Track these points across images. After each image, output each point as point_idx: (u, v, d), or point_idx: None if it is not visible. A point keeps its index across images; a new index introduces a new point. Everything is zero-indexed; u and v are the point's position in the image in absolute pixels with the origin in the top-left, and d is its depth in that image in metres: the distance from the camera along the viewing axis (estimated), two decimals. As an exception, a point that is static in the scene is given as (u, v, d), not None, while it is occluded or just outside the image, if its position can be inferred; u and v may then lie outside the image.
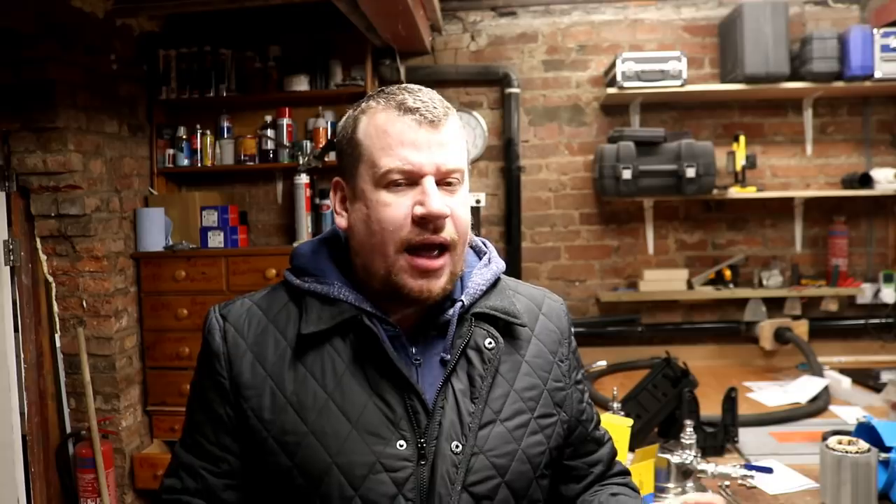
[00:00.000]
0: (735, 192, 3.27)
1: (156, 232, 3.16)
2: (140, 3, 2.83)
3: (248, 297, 0.99)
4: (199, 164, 3.39)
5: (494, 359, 0.95)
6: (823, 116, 3.45)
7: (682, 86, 3.18)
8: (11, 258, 2.71)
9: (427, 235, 0.89)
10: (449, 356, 0.93)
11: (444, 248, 0.91)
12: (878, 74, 3.07)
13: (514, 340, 0.99)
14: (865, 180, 3.22)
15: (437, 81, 3.51)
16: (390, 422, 0.89)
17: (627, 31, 3.49)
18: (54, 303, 2.84)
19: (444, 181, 0.90)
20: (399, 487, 0.87)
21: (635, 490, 1.09)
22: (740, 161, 3.26)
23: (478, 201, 3.50)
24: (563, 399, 1.01)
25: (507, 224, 3.50)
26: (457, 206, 0.91)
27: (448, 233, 0.90)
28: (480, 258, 1.05)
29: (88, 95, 2.82)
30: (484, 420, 0.92)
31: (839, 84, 3.16)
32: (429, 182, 0.89)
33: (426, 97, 0.91)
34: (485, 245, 1.07)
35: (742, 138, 3.26)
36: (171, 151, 3.36)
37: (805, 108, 3.41)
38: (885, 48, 3.06)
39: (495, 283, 1.02)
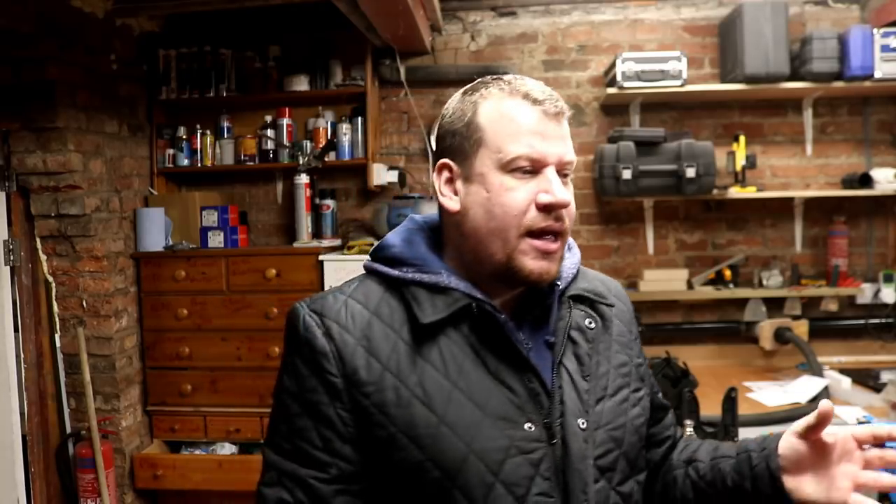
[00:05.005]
0: (735, 192, 3.27)
1: (156, 232, 3.16)
2: (140, 3, 2.83)
3: (337, 292, 0.96)
4: (199, 164, 3.39)
5: (597, 338, 1.00)
6: (823, 116, 3.45)
7: (682, 86, 3.18)
8: (11, 258, 2.71)
9: (550, 222, 0.91)
10: (554, 338, 0.97)
11: (560, 234, 0.94)
12: (878, 74, 3.07)
13: (602, 320, 1.03)
14: (865, 180, 3.22)
15: (437, 81, 3.51)
16: (515, 405, 0.90)
17: (627, 31, 3.49)
18: (54, 303, 2.84)
19: (561, 172, 0.94)
20: (535, 468, 0.89)
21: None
22: (740, 161, 3.26)
23: (478, 201, 3.50)
24: (644, 372, 1.08)
25: (507, 224, 3.50)
26: (571, 197, 0.95)
27: (566, 220, 0.94)
28: None
29: (88, 95, 2.83)
30: (596, 396, 0.97)
31: (839, 84, 3.15)
32: (551, 172, 0.92)
33: (548, 91, 0.94)
34: None
35: (742, 138, 3.26)
36: (171, 151, 3.37)
37: (805, 108, 3.41)
38: (885, 48, 3.06)
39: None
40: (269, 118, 3.37)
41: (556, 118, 0.93)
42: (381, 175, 3.31)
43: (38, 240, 2.81)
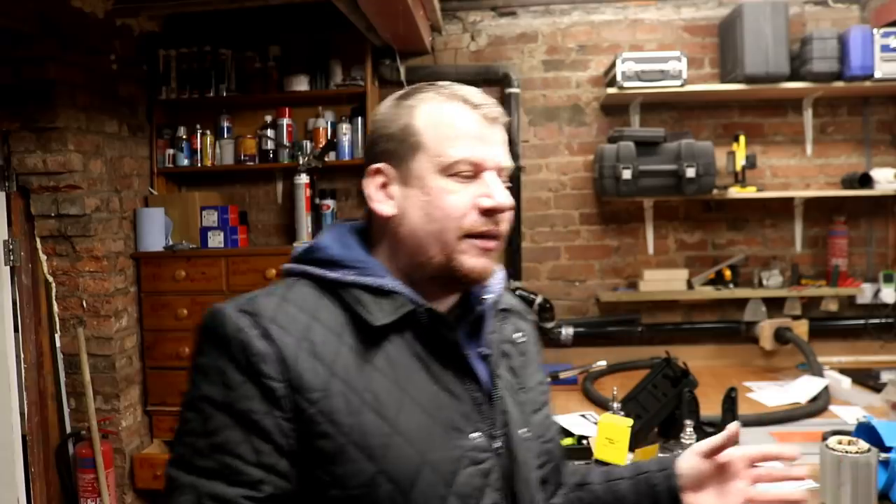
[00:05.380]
0: (735, 192, 3.27)
1: (156, 232, 3.16)
2: (140, 3, 2.83)
3: (269, 294, 0.89)
4: (199, 164, 3.39)
5: (527, 351, 1.02)
6: (823, 116, 3.45)
7: (682, 86, 3.18)
8: (11, 258, 2.71)
9: (490, 227, 0.91)
10: (488, 350, 0.96)
11: (497, 237, 0.94)
12: (878, 74, 3.07)
13: (526, 335, 1.06)
14: (865, 180, 3.21)
15: (437, 81, 3.51)
16: (461, 414, 0.89)
17: (627, 31, 3.49)
18: (54, 303, 2.84)
19: (497, 177, 0.93)
20: (485, 479, 0.87)
21: None
22: (740, 161, 3.26)
23: (478, 201, 3.50)
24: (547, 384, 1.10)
25: (507, 224, 3.50)
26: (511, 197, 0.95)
27: (505, 224, 0.94)
28: None
29: (88, 95, 2.83)
30: (531, 408, 0.99)
31: (839, 84, 3.15)
32: (491, 176, 0.91)
33: (484, 96, 0.94)
34: None
35: (742, 138, 3.26)
36: (171, 151, 3.37)
37: (805, 108, 3.41)
38: (885, 48, 3.06)
39: None
40: (269, 118, 3.37)
41: (494, 123, 0.93)
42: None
43: (38, 240, 2.81)
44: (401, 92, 0.97)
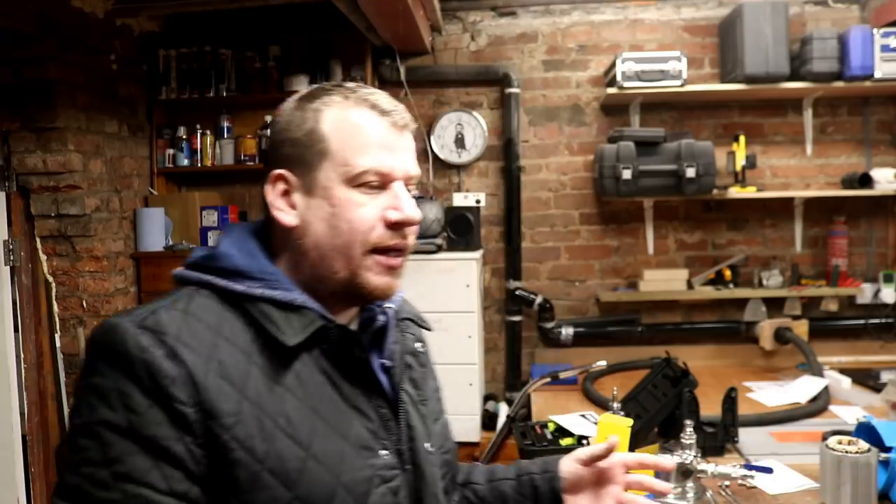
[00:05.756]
0: (735, 192, 3.27)
1: (156, 232, 3.16)
2: (140, 3, 2.83)
3: (169, 308, 0.81)
4: (199, 164, 3.39)
5: (427, 361, 1.02)
6: (823, 116, 3.45)
7: (682, 86, 3.18)
8: (11, 258, 2.71)
9: (398, 240, 0.88)
10: (390, 362, 0.94)
11: (403, 250, 0.92)
12: (878, 74, 3.07)
13: (425, 345, 1.06)
14: (865, 180, 3.21)
15: (437, 81, 3.52)
16: (371, 432, 0.87)
17: (627, 31, 3.49)
18: (54, 303, 2.84)
19: (406, 187, 0.90)
20: (395, 496, 0.87)
21: None
22: (740, 161, 3.26)
23: (478, 201, 3.50)
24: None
25: (507, 224, 3.50)
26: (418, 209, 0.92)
27: (412, 238, 0.91)
28: None
29: (88, 95, 2.82)
30: (433, 419, 0.99)
31: (839, 84, 3.15)
32: (399, 187, 0.88)
33: (393, 102, 0.90)
34: None
35: (742, 138, 3.26)
36: (171, 151, 3.37)
37: (805, 108, 3.41)
38: (885, 48, 3.06)
39: None
40: (269, 118, 3.37)
41: (402, 131, 0.89)
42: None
43: (38, 240, 2.81)
44: (305, 92, 0.91)
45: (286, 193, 0.88)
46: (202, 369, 0.76)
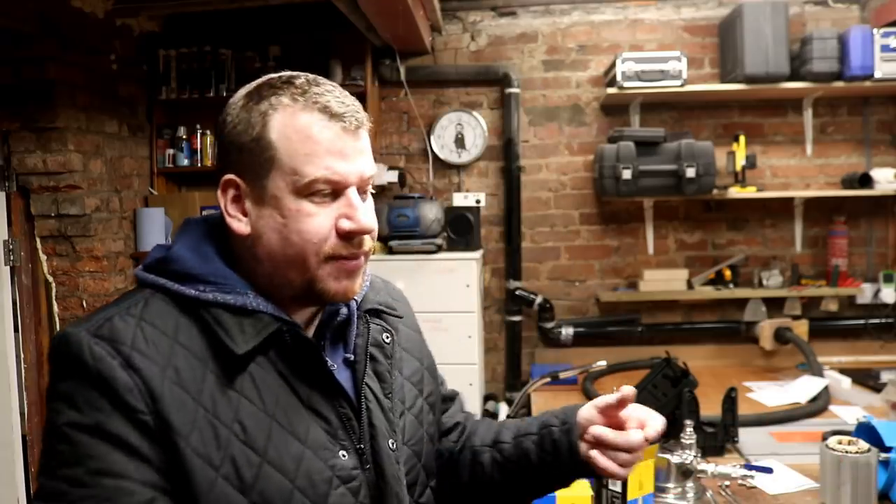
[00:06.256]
0: (735, 192, 3.27)
1: (156, 232, 3.16)
2: (140, 3, 2.83)
3: (122, 313, 0.81)
4: (199, 164, 3.39)
5: (394, 352, 0.98)
6: (823, 116, 3.45)
7: (682, 86, 3.18)
8: (11, 258, 2.71)
9: (353, 250, 0.86)
10: (353, 356, 0.93)
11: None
12: (878, 74, 3.07)
13: (394, 332, 1.01)
14: (865, 180, 3.21)
15: (436, 81, 3.52)
16: (330, 434, 0.86)
17: (627, 31, 3.49)
18: (54, 303, 2.84)
19: (361, 189, 0.88)
20: (356, 497, 0.86)
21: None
22: (740, 161, 3.26)
23: (478, 201, 3.50)
24: (431, 369, 1.09)
25: (507, 224, 3.50)
26: (373, 215, 0.89)
27: (368, 244, 0.88)
28: None
29: (88, 95, 2.82)
30: (398, 412, 0.96)
31: (839, 84, 3.15)
32: (353, 194, 0.85)
33: (347, 99, 0.86)
34: None
35: (742, 138, 3.26)
36: (171, 151, 3.37)
37: (805, 108, 3.41)
38: (885, 48, 3.06)
39: None
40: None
41: (356, 133, 0.85)
42: (381, 175, 3.31)
43: (38, 240, 2.81)
44: (253, 86, 0.87)
45: (237, 199, 0.86)
46: (158, 378, 0.77)
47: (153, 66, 3.31)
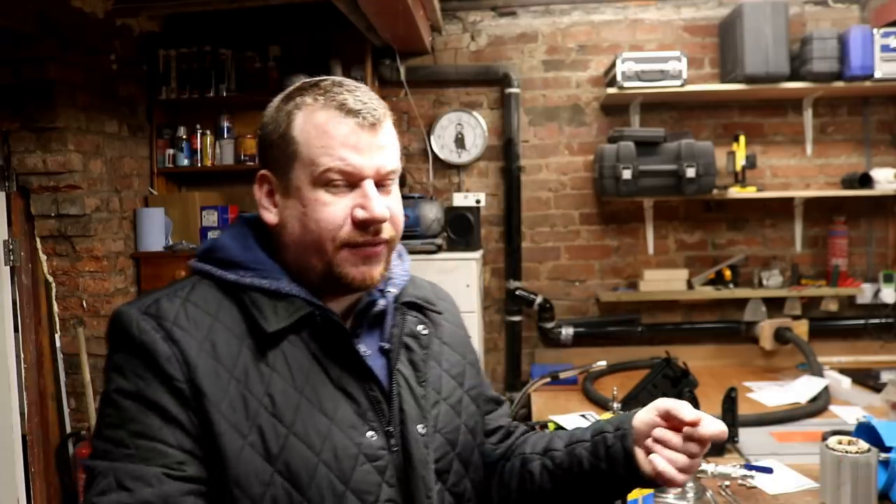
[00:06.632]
0: (735, 192, 3.27)
1: (156, 232, 3.16)
2: (140, 3, 2.83)
3: (170, 295, 0.90)
4: (199, 164, 3.39)
5: (430, 343, 1.02)
6: (823, 116, 3.45)
7: (682, 86, 3.18)
8: (11, 258, 2.71)
9: (368, 238, 0.92)
10: (388, 345, 0.98)
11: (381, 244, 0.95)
12: (878, 74, 3.07)
13: (434, 325, 1.06)
14: (865, 180, 3.22)
15: (436, 81, 3.52)
16: (358, 415, 0.90)
17: (627, 31, 3.49)
18: (54, 303, 2.84)
19: (381, 183, 0.93)
20: (382, 475, 0.89)
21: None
22: (740, 161, 3.26)
23: (478, 201, 3.50)
24: (477, 369, 1.11)
25: (507, 224, 3.51)
26: (394, 206, 0.95)
27: (386, 233, 0.94)
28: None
29: (88, 95, 2.82)
30: (432, 401, 0.99)
31: (839, 84, 3.15)
32: (369, 185, 0.91)
33: (366, 97, 0.92)
34: None
35: (742, 138, 3.26)
36: (171, 151, 3.37)
37: (805, 108, 3.41)
38: (885, 48, 3.06)
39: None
40: (268, 118, 3.37)
41: (373, 128, 0.91)
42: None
43: (38, 240, 2.81)
44: (288, 90, 0.96)
45: (270, 193, 0.95)
46: (195, 350, 0.85)
47: (153, 66, 3.31)
